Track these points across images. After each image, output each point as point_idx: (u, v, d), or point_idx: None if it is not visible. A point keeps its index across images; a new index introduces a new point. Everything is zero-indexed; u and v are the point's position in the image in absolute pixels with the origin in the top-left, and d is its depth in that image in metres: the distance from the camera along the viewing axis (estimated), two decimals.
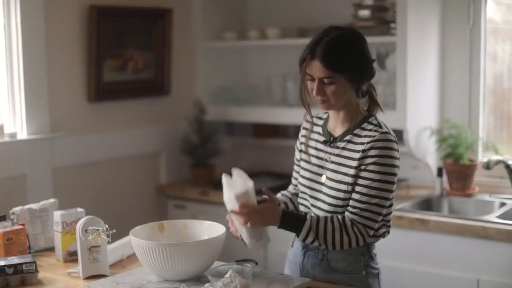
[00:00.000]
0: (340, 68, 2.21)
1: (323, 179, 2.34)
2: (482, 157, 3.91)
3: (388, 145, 2.23)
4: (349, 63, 2.23)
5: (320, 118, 2.47)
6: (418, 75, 3.74)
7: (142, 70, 4.17)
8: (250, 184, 2.20)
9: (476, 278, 3.19)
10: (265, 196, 2.28)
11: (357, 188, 2.24)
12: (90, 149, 3.95)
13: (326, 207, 2.30)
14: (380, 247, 2.49)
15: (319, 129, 2.43)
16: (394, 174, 2.25)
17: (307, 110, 2.37)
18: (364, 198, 2.23)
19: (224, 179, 2.26)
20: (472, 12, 3.83)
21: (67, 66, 3.82)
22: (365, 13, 3.86)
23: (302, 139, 2.48)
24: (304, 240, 2.25)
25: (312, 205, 2.36)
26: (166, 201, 4.40)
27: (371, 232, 2.26)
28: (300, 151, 2.47)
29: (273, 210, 2.24)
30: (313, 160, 2.39)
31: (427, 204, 3.72)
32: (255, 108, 4.36)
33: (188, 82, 4.49)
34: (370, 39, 3.73)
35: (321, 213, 2.31)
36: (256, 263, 2.28)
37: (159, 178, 4.41)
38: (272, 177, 4.27)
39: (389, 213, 2.35)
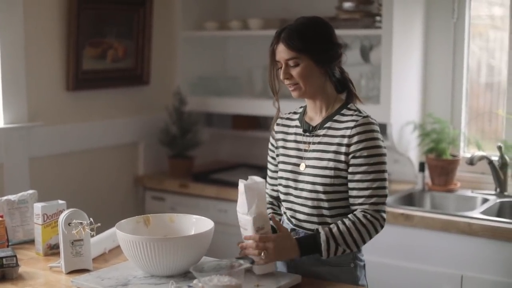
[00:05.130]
0: (302, 47, 2.25)
1: (301, 167, 2.33)
2: (464, 152, 3.90)
3: (372, 128, 2.26)
4: (311, 42, 2.27)
5: (295, 112, 2.48)
6: (402, 69, 3.72)
7: (121, 59, 4.09)
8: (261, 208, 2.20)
9: (460, 274, 3.18)
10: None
11: (355, 177, 2.24)
12: (68, 139, 3.87)
13: (309, 194, 2.29)
14: None
15: (296, 123, 2.43)
16: (384, 154, 2.27)
17: (274, 96, 2.38)
18: (365, 185, 2.23)
19: (241, 186, 2.21)
20: (457, 7, 3.81)
21: (46, 54, 3.73)
22: (349, 5, 3.83)
23: (279, 135, 2.46)
24: (328, 255, 2.21)
25: (297, 196, 2.34)
26: (143, 193, 4.34)
27: (385, 215, 2.27)
28: (277, 147, 2.45)
29: (287, 241, 2.20)
30: (292, 152, 2.38)
31: (409, 199, 3.70)
32: (235, 99, 4.31)
33: (167, 72, 4.43)
34: (354, 32, 3.78)
35: (305, 202, 2.31)
36: (253, 261, 2.23)
37: (137, 169, 4.34)
38: (252, 169, 4.22)
39: None
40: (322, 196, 2.27)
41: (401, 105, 3.75)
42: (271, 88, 2.37)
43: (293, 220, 2.36)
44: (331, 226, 2.23)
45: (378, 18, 3.71)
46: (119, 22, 4.03)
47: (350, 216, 2.25)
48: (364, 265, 2.40)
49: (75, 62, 3.80)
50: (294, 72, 2.28)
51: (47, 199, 2.65)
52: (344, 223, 2.23)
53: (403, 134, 3.80)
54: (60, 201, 2.61)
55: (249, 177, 2.24)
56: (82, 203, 3.35)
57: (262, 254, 2.16)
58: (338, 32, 3.73)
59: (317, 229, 2.24)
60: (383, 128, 3.78)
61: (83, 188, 3.98)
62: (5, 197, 2.73)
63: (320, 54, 2.28)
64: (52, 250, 2.56)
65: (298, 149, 2.37)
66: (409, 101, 3.84)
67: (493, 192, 3.64)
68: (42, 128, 3.70)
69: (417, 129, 3.84)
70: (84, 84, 3.90)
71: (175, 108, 4.32)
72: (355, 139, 2.24)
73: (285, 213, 2.41)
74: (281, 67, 2.31)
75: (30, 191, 2.81)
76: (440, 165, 3.73)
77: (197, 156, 4.44)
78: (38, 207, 2.56)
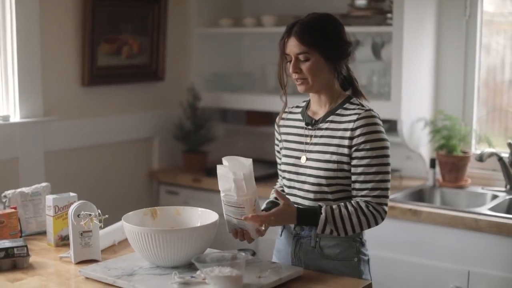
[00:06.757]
0: (314, 42, 2.27)
1: (302, 160, 2.37)
2: (475, 149, 3.92)
3: (374, 121, 2.29)
4: (323, 38, 2.29)
5: (297, 106, 2.50)
6: (413, 66, 3.74)
7: (136, 55, 4.15)
8: (244, 170, 2.21)
9: (467, 270, 3.20)
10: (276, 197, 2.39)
11: (358, 170, 2.28)
12: (83, 134, 3.94)
13: (311, 187, 2.33)
14: (372, 237, 2.51)
15: (298, 116, 2.45)
16: (387, 147, 2.30)
17: (283, 89, 2.40)
18: (368, 178, 2.27)
19: (220, 169, 2.25)
20: (469, 4, 3.82)
21: (61, 49, 3.79)
22: (361, 2, 3.85)
23: (282, 129, 2.50)
24: (322, 232, 2.28)
25: (299, 188, 2.37)
26: (158, 187, 4.40)
27: (386, 208, 2.31)
28: (280, 141, 2.50)
29: (287, 211, 2.27)
30: (294, 145, 2.41)
31: (420, 195, 3.72)
32: (249, 95, 4.36)
33: (182, 68, 4.48)
34: (366, 29, 3.81)
35: (306, 195, 2.34)
36: (254, 253, 2.28)
37: (151, 163, 4.40)
38: (265, 164, 4.25)
39: None
40: (326, 189, 2.31)
41: (412, 101, 3.77)
42: (280, 82, 2.39)
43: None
44: (334, 207, 2.26)
45: (389, 15, 3.74)
46: (134, 18, 4.09)
47: (353, 202, 2.28)
48: (369, 259, 2.43)
49: (91, 58, 3.87)
50: (304, 66, 2.30)
51: (62, 193, 2.69)
52: (346, 208, 2.26)
53: (414, 130, 3.82)
54: (72, 194, 2.66)
55: (228, 160, 2.25)
56: (97, 197, 3.41)
57: (263, 226, 2.23)
58: (350, 29, 3.82)
59: (320, 206, 2.27)
60: (394, 124, 3.80)
61: (98, 182, 4.05)
62: (19, 189, 2.80)
63: (331, 51, 2.30)
64: (63, 241, 2.62)
65: (300, 142, 2.40)
66: (420, 97, 3.86)
67: (503, 189, 3.65)
68: (57, 123, 3.77)
69: (428, 125, 3.86)
70: (99, 79, 3.96)
71: (189, 104, 4.37)
72: (357, 132, 2.27)
73: None
74: (289, 61, 2.33)
75: (44, 184, 2.87)
76: (451, 162, 3.75)
77: (212, 151, 4.49)
78: (49, 199, 2.62)
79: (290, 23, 2.34)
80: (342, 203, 2.29)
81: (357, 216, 2.26)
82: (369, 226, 2.30)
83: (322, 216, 2.25)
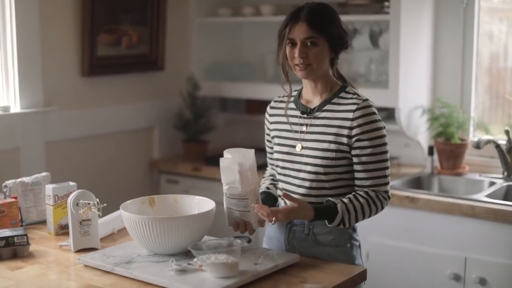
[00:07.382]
0: (323, 28, 2.30)
1: (297, 148, 2.39)
2: (473, 136, 3.94)
3: (372, 111, 2.32)
4: (331, 25, 2.32)
5: (289, 96, 2.51)
6: (411, 54, 3.75)
7: (136, 45, 4.17)
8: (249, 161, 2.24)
9: (464, 256, 3.23)
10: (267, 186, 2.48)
11: (362, 160, 2.31)
12: (83, 124, 3.96)
13: (308, 176, 2.35)
14: (369, 224, 2.53)
15: (291, 105, 2.47)
16: (385, 136, 2.34)
17: (285, 76, 2.40)
18: (371, 167, 2.31)
19: (223, 162, 2.27)
20: None
21: (61, 40, 3.81)
22: None
23: (273, 119, 2.51)
24: (337, 226, 2.31)
25: (295, 176, 2.39)
26: (158, 176, 4.43)
27: (390, 194, 2.37)
28: (271, 130, 2.51)
29: (305, 213, 2.27)
30: (288, 134, 2.43)
31: (418, 182, 3.74)
32: (248, 84, 4.38)
33: (182, 58, 4.50)
34: (363, 17, 3.82)
35: (302, 183, 2.36)
36: (250, 240, 2.30)
37: (152, 153, 4.43)
38: (264, 153, 4.27)
39: None
40: (323, 177, 2.33)
41: (410, 89, 3.79)
42: (283, 69, 2.39)
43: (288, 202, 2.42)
44: (346, 201, 2.28)
45: (386, 3, 3.75)
46: (134, 9, 4.10)
47: (362, 193, 2.31)
48: (360, 245, 2.46)
49: (90, 49, 3.89)
50: (311, 52, 2.30)
51: (62, 182, 2.71)
52: (358, 200, 2.30)
53: (411, 118, 3.83)
54: (71, 183, 2.69)
55: (230, 152, 2.27)
56: (98, 186, 3.44)
57: (273, 221, 2.23)
58: (348, 17, 3.84)
59: (333, 203, 2.28)
60: (391, 112, 3.82)
61: (98, 171, 4.07)
62: (19, 179, 2.82)
63: (335, 39, 2.33)
64: (63, 230, 2.65)
65: (294, 131, 2.41)
66: (418, 85, 3.87)
67: (501, 176, 3.67)
68: (58, 113, 3.79)
69: (426, 113, 3.88)
70: (99, 70, 3.98)
71: (189, 93, 4.40)
72: (357, 122, 2.29)
73: (279, 196, 2.47)
74: (290, 44, 2.32)
75: (44, 173, 2.90)
76: (449, 149, 3.77)
77: (212, 140, 4.52)
78: (49, 188, 2.64)
79: (294, 9, 2.33)
80: (351, 195, 2.31)
81: (369, 206, 2.31)
82: (377, 213, 2.35)
83: (339, 214, 2.28)
